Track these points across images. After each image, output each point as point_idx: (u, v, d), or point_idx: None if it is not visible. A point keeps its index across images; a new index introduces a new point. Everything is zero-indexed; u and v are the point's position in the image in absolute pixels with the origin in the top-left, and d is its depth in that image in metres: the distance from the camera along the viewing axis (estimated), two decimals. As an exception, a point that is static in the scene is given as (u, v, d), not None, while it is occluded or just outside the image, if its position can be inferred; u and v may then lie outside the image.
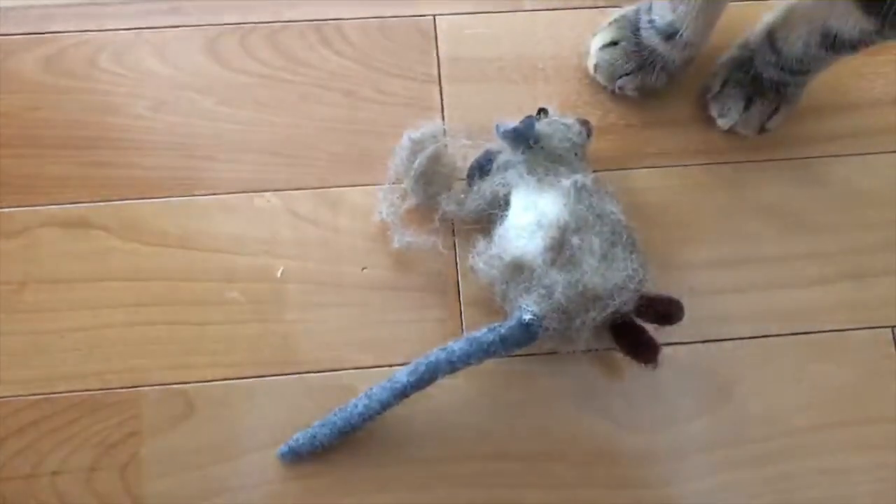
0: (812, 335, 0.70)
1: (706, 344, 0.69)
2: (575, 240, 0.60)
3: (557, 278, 0.60)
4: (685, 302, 0.67)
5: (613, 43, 0.72)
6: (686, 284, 0.70)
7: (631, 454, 0.66)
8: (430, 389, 0.62)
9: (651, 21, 0.69)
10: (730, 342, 0.69)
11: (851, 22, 0.59)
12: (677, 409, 0.67)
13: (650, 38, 0.69)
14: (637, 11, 0.71)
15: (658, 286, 0.68)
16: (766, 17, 0.69)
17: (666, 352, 0.67)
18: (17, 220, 0.69)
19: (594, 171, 0.69)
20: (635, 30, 0.70)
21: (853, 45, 0.61)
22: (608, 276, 0.59)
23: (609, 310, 0.60)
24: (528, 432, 0.66)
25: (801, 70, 0.68)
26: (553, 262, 0.60)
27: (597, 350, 0.66)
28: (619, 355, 0.66)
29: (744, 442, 0.67)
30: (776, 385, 0.68)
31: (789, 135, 0.74)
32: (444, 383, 0.62)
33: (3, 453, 0.63)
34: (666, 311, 0.62)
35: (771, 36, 0.68)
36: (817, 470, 0.67)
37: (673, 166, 0.73)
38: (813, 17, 0.63)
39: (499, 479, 0.65)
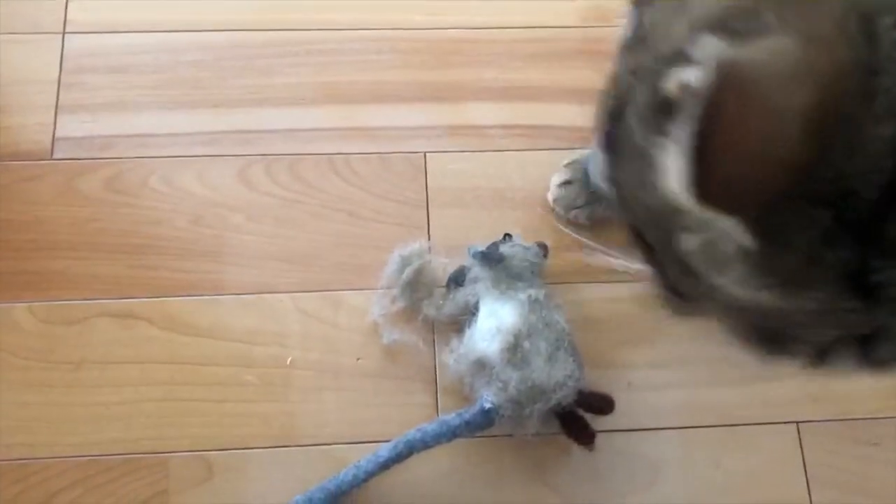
0: (729, 427, 0.83)
1: (640, 432, 0.83)
2: (526, 344, 0.75)
3: (512, 375, 0.74)
4: (624, 395, 0.82)
5: (568, 182, 0.87)
6: (625, 380, 0.84)
7: (574, 523, 0.79)
8: (409, 463, 0.76)
9: (595, 168, 0.85)
10: (660, 431, 0.83)
11: None
12: (614, 486, 0.81)
13: (596, 180, 0.85)
14: (586, 157, 0.87)
15: (599, 382, 0.82)
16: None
17: (607, 437, 0.81)
18: (77, 310, 0.84)
19: (549, 284, 0.84)
20: (585, 171, 0.86)
21: None
22: (552, 374, 0.74)
23: (552, 402, 0.74)
24: (490, 501, 0.79)
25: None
26: (509, 361, 0.75)
27: (547, 434, 0.80)
28: (567, 439, 0.80)
29: (669, 516, 0.80)
30: (698, 469, 0.82)
31: (714, 258, 0.90)
32: (422, 457, 0.76)
33: (54, 504, 0.77)
34: (599, 405, 0.77)
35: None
36: (731, 542, 0.79)
37: (616, 282, 0.88)
38: None
39: (463, 541, 0.78)
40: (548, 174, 0.90)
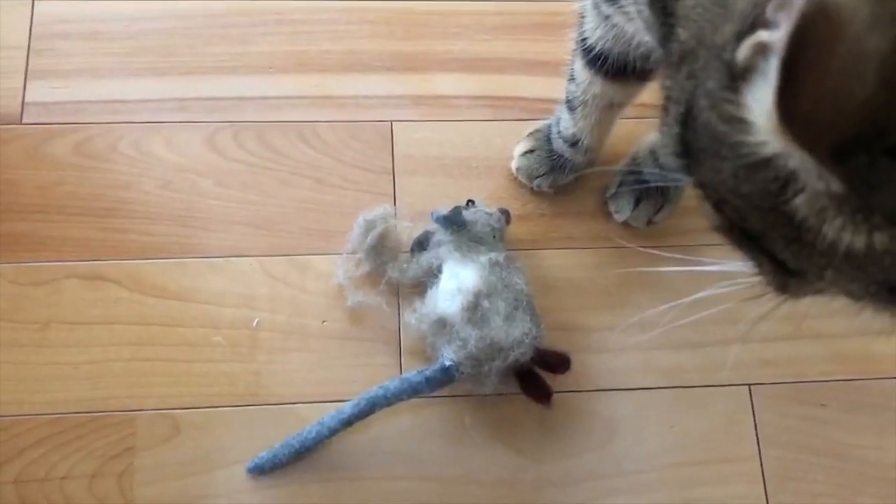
0: (683, 389, 0.86)
1: (596, 392, 0.85)
2: (485, 303, 0.77)
3: (471, 333, 0.76)
4: (581, 357, 0.84)
5: (531, 151, 0.89)
6: (582, 343, 0.86)
7: (532, 480, 0.81)
8: (371, 420, 0.78)
9: (559, 132, 0.87)
10: (615, 392, 0.85)
11: None
12: (571, 444, 0.83)
13: (559, 145, 0.87)
14: (548, 125, 0.89)
15: (558, 344, 0.84)
16: (651, 137, 0.88)
17: (565, 398, 0.84)
18: (45, 272, 0.85)
19: (512, 250, 0.86)
20: (547, 140, 0.89)
21: None
22: (510, 332, 0.76)
23: (510, 359, 0.76)
24: (449, 458, 0.81)
25: (680, 179, 0.86)
26: (468, 320, 0.77)
27: (506, 394, 0.82)
28: (525, 399, 0.82)
29: (623, 474, 0.82)
30: (652, 428, 0.84)
31: (672, 227, 0.92)
32: (384, 415, 0.78)
33: (22, 460, 0.78)
34: (555, 362, 0.79)
35: (654, 153, 0.86)
36: (683, 500, 0.82)
37: (577, 248, 0.90)
38: None
39: (423, 497, 0.80)
40: (511, 144, 0.92)
